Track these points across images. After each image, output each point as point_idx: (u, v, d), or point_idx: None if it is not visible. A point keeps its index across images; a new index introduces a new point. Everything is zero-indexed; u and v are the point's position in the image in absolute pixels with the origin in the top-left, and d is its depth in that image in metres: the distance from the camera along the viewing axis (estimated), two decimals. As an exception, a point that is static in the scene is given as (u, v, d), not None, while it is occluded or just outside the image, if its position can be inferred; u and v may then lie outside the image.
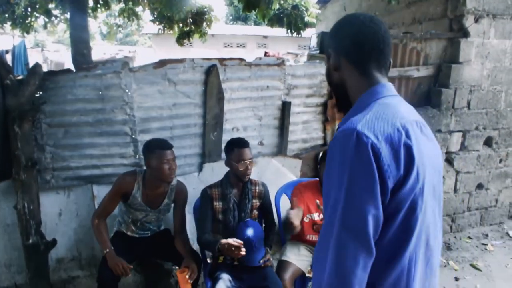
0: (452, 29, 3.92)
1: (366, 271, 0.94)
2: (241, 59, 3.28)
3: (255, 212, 2.63)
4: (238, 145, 2.50)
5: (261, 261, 2.42)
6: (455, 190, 4.05)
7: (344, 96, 1.14)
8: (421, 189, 0.99)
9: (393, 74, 3.74)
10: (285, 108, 3.49)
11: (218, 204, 2.51)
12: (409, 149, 0.96)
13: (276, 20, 5.95)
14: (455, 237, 4.06)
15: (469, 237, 4.06)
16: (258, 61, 3.33)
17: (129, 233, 2.72)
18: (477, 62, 3.87)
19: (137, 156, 3.10)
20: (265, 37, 18.29)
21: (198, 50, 12.98)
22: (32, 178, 2.73)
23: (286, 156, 3.58)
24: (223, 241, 2.23)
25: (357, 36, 1.07)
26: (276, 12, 5.78)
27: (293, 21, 5.58)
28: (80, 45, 4.56)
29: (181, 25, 7.16)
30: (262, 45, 18.23)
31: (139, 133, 3.06)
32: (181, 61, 3.06)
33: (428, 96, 3.96)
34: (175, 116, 3.15)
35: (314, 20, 5.72)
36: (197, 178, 3.31)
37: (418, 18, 4.39)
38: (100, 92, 2.92)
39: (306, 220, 2.70)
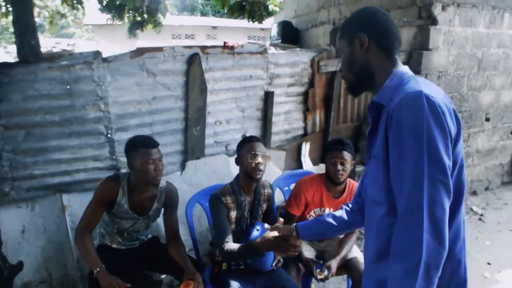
0: (421, 17, 3.85)
1: (447, 217, 1.01)
2: (224, 47, 2.93)
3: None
4: (250, 139, 2.18)
5: (273, 263, 2.15)
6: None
7: (370, 76, 1.20)
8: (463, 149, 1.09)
9: (369, 61, 3.59)
10: (268, 98, 3.21)
11: (233, 214, 2.14)
12: (455, 112, 1.08)
13: (237, 9, 5.59)
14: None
15: (440, 216, 4.11)
16: (241, 49, 3.00)
17: (114, 246, 2.29)
18: (444, 49, 3.85)
19: (114, 158, 2.66)
20: (214, 27, 17.62)
21: (145, 43, 12.15)
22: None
23: (270, 149, 3.31)
24: (268, 236, 1.74)
25: (388, 25, 1.18)
26: (238, 0, 5.42)
27: (256, 9, 5.26)
28: (26, 34, 3.88)
29: (132, 14, 6.53)
30: (211, 36, 17.59)
31: (116, 132, 2.62)
32: (160, 49, 2.64)
33: (400, 83, 3.89)
34: (154, 111, 2.73)
35: (277, 9, 5.47)
36: (179, 178, 2.94)
37: (386, 6, 4.28)
38: (68, 86, 2.43)
39: (309, 217, 2.46)
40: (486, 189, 4.64)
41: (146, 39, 12.44)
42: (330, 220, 1.55)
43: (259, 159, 2.09)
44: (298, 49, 3.42)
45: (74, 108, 2.47)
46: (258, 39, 14.69)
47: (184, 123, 2.87)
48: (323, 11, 5.55)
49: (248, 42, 8.32)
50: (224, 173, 3.11)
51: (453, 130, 1.02)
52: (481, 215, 4.11)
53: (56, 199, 2.60)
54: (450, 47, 3.88)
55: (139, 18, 6.69)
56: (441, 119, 0.99)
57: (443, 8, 3.75)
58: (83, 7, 6.81)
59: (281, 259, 2.18)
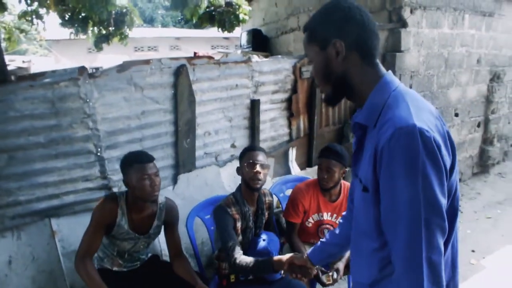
0: (391, 20, 3.99)
1: None
2: (209, 57, 2.89)
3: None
4: (251, 148, 2.15)
5: (282, 272, 2.12)
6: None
7: (349, 88, 1.05)
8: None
9: (347, 65, 3.68)
10: (254, 106, 3.19)
11: (239, 225, 2.08)
12: (449, 135, 0.97)
13: (206, 19, 5.56)
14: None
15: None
16: (225, 58, 2.98)
17: (115, 268, 2.16)
18: (415, 50, 4.01)
19: (105, 177, 2.53)
20: (177, 38, 17.42)
21: (107, 56, 11.81)
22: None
23: (260, 156, 3.30)
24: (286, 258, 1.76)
25: (365, 23, 1.00)
26: (207, 10, 5.39)
27: (226, 18, 5.25)
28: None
29: (97, 28, 6.31)
30: (174, 47, 17.34)
31: (105, 150, 2.50)
32: (147, 62, 2.56)
33: (375, 84, 4.00)
34: (144, 126, 2.64)
35: (247, 17, 5.48)
36: (172, 192, 2.84)
37: (355, 11, 4.42)
38: (53, 105, 2.29)
39: (308, 224, 2.46)
40: (459, 180, 4.87)
41: (108, 53, 12.11)
42: (335, 240, 1.55)
43: (257, 168, 2.06)
44: (280, 56, 3.44)
45: (60, 128, 2.33)
46: (222, 48, 14.67)
47: (174, 136, 2.79)
48: (293, 18, 5.63)
49: (218, 52, 8.32)
50: (215, 184, 3.05)
51: (448, 162, 0.93)
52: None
53: (44, 224, 2.43)
54: (419, 48, 4.05)
55: (104, 32, 6.48)
56: (437, 156, 0.89)
57: (412, 12, 3.91)
58: (43, 22, 6.53)
59: None
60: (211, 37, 16.17)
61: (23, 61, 14.46)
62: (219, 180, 3.06)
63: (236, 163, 3.16)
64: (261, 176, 2.07)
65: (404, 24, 3.88)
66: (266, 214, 2.24)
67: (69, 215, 2.49)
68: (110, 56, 11.80)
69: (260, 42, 6.18)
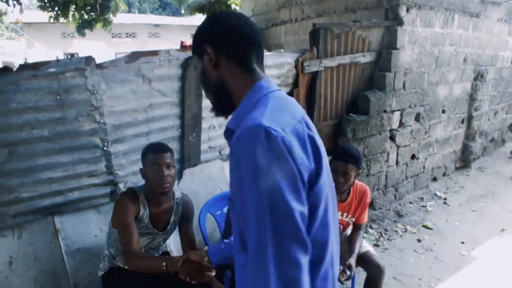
0: (388, 18, 4.01)
1: (308, 273, 0.82)
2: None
3: None
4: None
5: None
6: (397, 163, 4.27)
7: (226, 96, 0.99)
8: (329, 183, 0.92)
9: (346, 60, 3.66)
10: (258, 100, 3.13)
11: None
12: (313, 140, 0.88)
13: (196, 8, 5.38)
14: (399, 204, 4.29)
15: (410, 202, 4.35)
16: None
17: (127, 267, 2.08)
18: (409, 48, 4.05)
19: (111, 172, 2.41)
20: (156, 25, 16.82)
21: (83, 42, 11.28)
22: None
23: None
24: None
25: (238, 28, 0.96)
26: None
27: (217, 7, 5.10)
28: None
29: (79, 13, 5.98)
30: (153, 35, 16.75)
31: (112, 144, 2.36)
32: (155, 53, 2.42)
33: (371, 80, 4.02)
34: (151, 119, 2.51)
35: (238, 8, 5.35)
36: (176, 187, 2.73)
37: (351, 7, 4.39)
38: (58, 97, 2.13)
39: None
40: (444, 174, 5.03)
41: (84, 38, 11.58)
42: None
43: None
44: (283, 50, 3.37)
45: (65, 121, 2.18)
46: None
47: (180, 130, 2.68)
48: (284, 10, 5.56)
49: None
50: (219, 179, 2.98)
51: (306, 167, 0.83)
52: (445, 199, 4.44)
53: (47, 223, 2.29)
54: (413, 46, 4.10)
55: (86, 17, 6.15)
56: (284, 158, 0.79)
57: (408, 10, 3.95)
58: (20, 4, 6.14)
59: None
60: (191, 25, 15.78)
61: (-8, 46, 13.59)
62: (223, 175, 2.99)
63: (239, 158, 3.13)
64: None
65: (400, 22, 3.91)
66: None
67: (73, 213, 2.36)
68: (87, 42, 11.28)
69: (250, 34, 6.07)
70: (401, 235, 3.67)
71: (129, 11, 20.10)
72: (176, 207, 2.08)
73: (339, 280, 2.19)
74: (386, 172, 4.18)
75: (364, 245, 2.49)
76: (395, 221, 3.94)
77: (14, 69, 2.06)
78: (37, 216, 2.25)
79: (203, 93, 2.70)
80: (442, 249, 3.43)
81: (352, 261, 2.27)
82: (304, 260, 0.80)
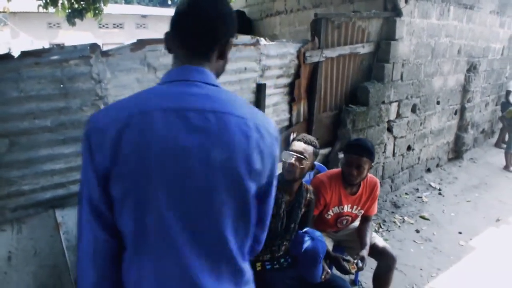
0: (386, 9, 3.99)
1: (94, 232, 0.88)
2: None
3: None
4: (297, 138, 2.06)
5: (322, 276, 2.06)
6: (394, 154, 4.29)
7: None
8: (153, 187, 0.84)
9: (346, 51, 3.64)
10: (260, 90, 3.07)
11: None
12: (123, 140, 0.83)
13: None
14: (396, 195, 4.33)
15: (406, 193, 4.39)
16: (236, 40, 2.81)
17: None
18: (407, 39, 4.05)
19: (115, 164, 2.33)
20: (144, 16, 16.43)
21: (69, 32, 10.97)
22: None
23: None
24: None
25: (175, 12, 0.96)
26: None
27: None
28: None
29: (69, 2, 5.76)
30: (141, 26, 16.37)
31: (116, 135, 2.29)
32: (161, 41, 2.34)
33: (369, 71, 4.01)
34: (156, 110, 2.44)
35: (234, -2, 5.26)
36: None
37: (349, -3, 4.37)
38: (62, 85, 2.04)
39: (328, 216, 2.42)
40: (437, 165, 5.09)
41: (69, 29, 11.25)
42: None
43: (292, 160, 1.99)
44: (285, 40, 3.32)
45: (69, 110, 2.08)
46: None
47: (184, 120, 2.61)
48: (279, 0, 5.49)
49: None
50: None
51: (99, 159, 0.84)
52: (440, 190, 4.49)
53: (48, 216, 2.20)
54: (411, 37, 4.10)
55: (76, 6, 5.94)
56: (86, 146, 0.86)
57: (406, 1, 3.93)
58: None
59: (329, 271, 2.11)
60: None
61: (-29, 34, 13.09)
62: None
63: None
64: (293, 168, 1.98)
65: (399, 13, 3.90)
66: (303, 209, 2.15)
67: (75, 206, 2.24)
68: (72, 33, 10.96)
69: (243, 25, 5.98)
70: (399, 226, 3.70)
71: (116, 2, 19.63)
72: None
73: (350, 272, 2.18)
74: (383, 163, 4.20)
75: (373, 235, 2.49)
76: (392, 212, 3.97)
77: (16, 56, 1.96)
78: (38, 210, 2.16)
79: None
80: (440, 239, 3.47)
81: (365, 253, 2.27)
82: (93, 221, 0.87)
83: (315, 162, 3.05)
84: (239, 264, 0.95)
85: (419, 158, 4.71)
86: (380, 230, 3.62)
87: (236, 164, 0.87)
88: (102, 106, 2.17)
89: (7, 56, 1.94)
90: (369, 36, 3.88)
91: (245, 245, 0.98)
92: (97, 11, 6.00)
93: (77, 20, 6.21)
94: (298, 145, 2.01)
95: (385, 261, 2.34)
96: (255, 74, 3.01)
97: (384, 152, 4.17)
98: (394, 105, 4.12)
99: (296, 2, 5.16)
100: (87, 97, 2.11)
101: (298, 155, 1.98)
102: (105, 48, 2.19)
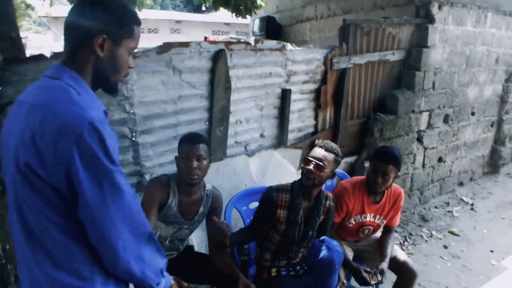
0: (418, 15, 3.90)
1: None
2: (247, 43, 2.74)
3: None
4: (317, 145, 2.03)
5: (338, 287, 2.02)
6: (423, 165, 4.15)
7: None
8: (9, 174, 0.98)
9: (375, 58, 3.57)
10: (286, 96, 3.07)
11: (282, 213, 1.99)
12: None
13: (221, 2, 5.35)
14: (424, 208, 4.17)
15: (436, 207, 4.22)
16: (261, 45, 2.83)
17: None
18: (440, 46, 3.93)
19: (138, 163, 2.39)
20: (178, 22, 16.95)
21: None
22: (4, 208, 1.87)
23: (287, 147, 3.19)
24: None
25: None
26: (222, -6, 5.19)
27: (242, 3, 5.06)
28: (7, 26, 3.39)
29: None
30: (175, 30, 16.89)
31: (140, 135, 2.35)
32: (186, 44, 2.40)
33: (399, 79, 3.91)
34: (180, 111, 2.49)
35: (263, 3, 5.30)
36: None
37: (380, 4, 4.29)
38: (90, 86, 2.13)
39: (349, 224, 2.37)
40: (471, 179, 4.87)
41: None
42: None
43: (311, 167, 1.96)
44: (312, 46, 3.31)
45: (96, 110, 2.17)
46: (223, 34, 14.35)
47: (207, 123, 2.65)
48: (310, 6, 5.48)
49: (230, 37, 8.08)
50: (244, 174, 2.93)
51: None
52: (472, 204, 4.29)
53: (74, 211, 2.29)
54: (444, 45, 3.97)
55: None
56: None
57: (440, 7, 3.82)
58: (48, -3, 6.23)
59: (345, 282, 2.07)
60: (212, 22, 15.83)
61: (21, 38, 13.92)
62: (248, 170, 2.94)
63: (264, 153, 3.07)
64: (313, 175, 1.94)
65: (431, 20, 3.79)
66: (322, 217, 2.12)
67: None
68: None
69: (273, 30, 6.01)
70: (426, 240, 3.56)
71: (152, 7, 20.25)
72: (206, 199, 2.05)
73: (370, 283, 2.11)
74: (412, 174, 4.07)
75: (395, 248, 2.41)
76: (419, 226, 3.82)
77: (48, 57, 2.06)
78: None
79: (232, 86, 2.68)
80: (470, 257, 3.30)
81: (385, 265, 2.19)
82: None
83: (338, 171, 3.02)
84: None
85: (451, 171, 4.52)
86: (406, 243, 3.49)
87: (18, 156, 0.93)
88: (127, 106, 2.24)
89: (41, 57, 2.04)
90: (400, 43, 3.79)
91: None
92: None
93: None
94: (318, 152, 1.97)
95: (405, 276, 2.25)
96: (280, 79, 3.02)
97: (413, 162, 4.04)
98: (425, 114, 3.99)
99: (327, 8, 5.13)
100: (113, 98, 2.18)
101: (317, 162, 1.94)
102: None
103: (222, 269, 2.00)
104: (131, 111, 2.26)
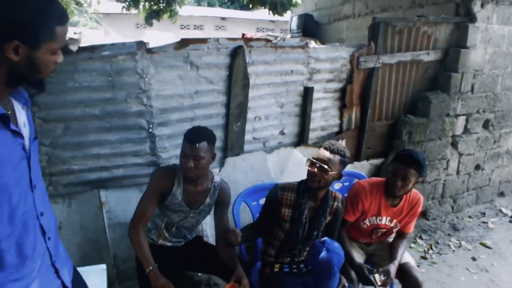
0: (458, 14, 3.69)
1: None
2: (267, 40, 2.76)
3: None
4: (322, 145, 2.00)
5: None
6: (458, 172, 3.93)
7: None
8: None
9: (407, 58, 3.43)
10: (308, 94, 3.05)
11: (286, 211, 2.00)
12: None
13: (258, 0, 5.40)
14: (457, 217, 3.95)
15: (470, 216, 3.99)
16: (283, 42, 2.83)
17: (160, 242, 2.15)
18: (481, 47, 3.69)
19: (155, 153, 2.50)
20: (223, 19, 17.31)
21: (154, 33, 11.90)
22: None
23: (308, 146, 3.17)
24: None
25: None
26: (259, -9, 5.23)
27: (279, 1, 5.06)
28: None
29: (148, 3, 6.30)
30: (220, 27, 17.28)
31: (157, 127, 2.46)
32: (204, 41, 2.47)
33: (434, 81, 3.73)
34: (196, 106, 2.57)
35: (300, 1, 5.27)
36: (218, 175, 2.76)
37: (418, 1, 4.10)
38: (110, 78, 2.26)
39: (363, 225, 2.32)
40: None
41: (154, 29, 12.20)
42: None
43: (314, 169, 1.94)
44: (338, 44, 3.25)
45: (115, 101, 2.30)
46: (267, 31, 14.40)
47: (225, 118, 2.71)
48: (348, 4, 5.36)
49: (267, 35, 8.12)
50: (261, 170, 2.96)
51: None
52: (511, 217, 4.01)
53: (93, 195, 2.44)
54: (486, 46, 3.72)
55: (155, 7, 6.46)
56: None
57: (482, 5, 3.58)
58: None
59: (346, 285, 2.04)
60: (257, 19, 15.92)
61: (75, 33, 14.91)
62: (265, 167, 2.97)
63: (284, 152, 3.08)
64: (317, 178, 1.92)
65: (472, 19, 3.56)
66: (329, 218, 2.10)
67: (117, 188, 2.49)
68: (157, 33, 11.88)
69: (311, 28, 5.96)
70: (453, 250, 3.38)
71: (199, 4, 20.77)
72: (213, 191, 2.11)
73: (374, 283, 2.07)
74: (444, 180, 3.87)
75: (405, 255, 2.32)
76: (449, 235, 3.63)
77: (74, 51, 2.22)
78: (84, 188, 2.41)
79: (250, 83, 2.71)
80: (500, 272, 3.09)
81: (392, 267, 2.14)
82: None
83: (356, 172, 2.96)
84: None
85: (490, 180, 4.24)
86: (430, 251, 3.34)
87: None
88: (144, 99, 2.35)
89: (67, 51, 2.19)
90: (436, 43, 3.61)
91: None
92: (172, 13, 6.45)
93: (161, 21, 6.74)
94: (323, 154, 1.93)
95: (409, 285, 2.17)
96: (302, 77, 3.00)
97: (446, 169, 3.84)
98: (461, 118, 3.77)
99: (364, 6, 5.00)
100: (132, 90, 2.31)
101: (321, 164, 1.90)
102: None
103: (226, 260, 2.05)
104: (149, 104, 2.37)
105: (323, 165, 1.89)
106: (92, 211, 2.45)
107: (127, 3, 6.48)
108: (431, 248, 3.38)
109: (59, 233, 2.38)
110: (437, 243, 3.48)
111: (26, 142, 1.09)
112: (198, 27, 17.19)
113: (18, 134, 1.05)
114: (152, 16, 6.40)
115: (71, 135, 2.28)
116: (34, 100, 2.13)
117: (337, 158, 1.92)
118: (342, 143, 2.05)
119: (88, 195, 2.44)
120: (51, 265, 1.19)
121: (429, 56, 3.59)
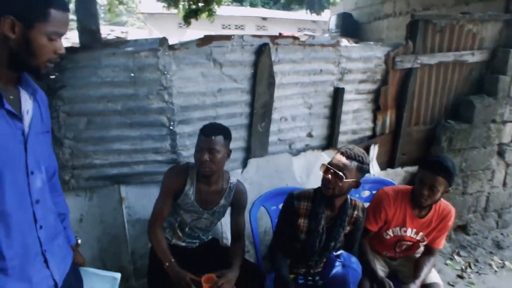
0: (508, 11, 3.37)
1: None
2: (295, 38, 2.65)
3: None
4: (339, 150, 1.87)
5: None
6: (504, 184, 3.59)
7: None
8: None
9: (449, 58, 3.18)
10: (338, 95, 2.90)
11: (303, 222, 1.89)
12: None
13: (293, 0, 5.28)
14: (502, 234, 3.62)
15: (516, 234, 3.65)
16: (311, 40, 2.71)
17: (174, 241, 2.10)
18: (535, 47, 3.35)
19: (175, 151, 2.47)
20: (264, 18, 17.29)
21: (195, 32, 12.08)
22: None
23: (337, 149, 3.01)
24: None
25: None
26: (297, -10, 5.12)
27: (316, 0, 4.92)
28: (88, 18, 3.80)
29: (187, 3, 6.38)
30: (261, 27, 17.29)
31: (178, 124, 2.42)
32: (228, 38, 2.40)
33: (479, 84, 3.43)
34: (219, 104, 2.51)
35: (338, 0, 5.11)
36: (240, 176, 2.70)
37: (464, -2, 3.83)
38: (132, 74, 2.25)
39: (386, 236, 2.15)
40: None
41: (196, 29, 12.38)
42: None
43: (328, 175, 1.80)
44: (372, 42, 3.07)
45: (137, 97, 2.29)
46: (309, 31, 14.17)
47: (248, 118, 2.63)
48: (389, 2, 5.11)
49: (305, 34, 7.95)
50: (286, 173, 2.85)
51: None
52: None
53: (114, 190, 2.45)
54: (542, 46, 3.37)
55: (193, 7, 6.53)
56: None
57: (538, 1, 3.25)
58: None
59: None
60: (298, 20, 15.75)
61: (121, 32, 15.51)
62: (291, 169, 2.85)
63: (311, 154, 2.95)
64: (331, 185, 1.79)
65: (526, 16, 3.24)
66: (348, 228, 1.96)
67: (137, 185, 2.48)
68: (198, 32, 12.05)
69: (350, 27, 5.75)
70: (495, 271, 3.08)
71: (241, 4, 20.86)
72: (228, 192, 2.04)
73: None
74: (488, 193, 3.55)
75: (433, 275, 2.12)
76: (491, 253, 3.33)
77: (98, 47, 2.24)
78: (105, 183, 2.43)
79: (276, 82, 2.61)
80: (548, 297, 2.78)
81: (413, 287, 1.95)
82: None
83: (385, 179, 2.77)
84: None
85: (541, 194, 3.85)
86: (468, 270, 3.07)
87: None
88: (166, 96, 2.33)
89: (91, 47, 2.22)
90: (482, 43, 3.32)
91: None
92: (210, 12, 6.48)
93: (203, 21, 6.82)
94: (339, 159, 1.79)
95: None
96: (332, 77, 2.86)
97: (491, 180, 3.53)
98: (510, 125, 3.44)
99: (406, 5, 4.73)
100: (153, 87, 2.29)
101: (336, 170, 1.76)
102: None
103: (229, 257, 1.99)
104: (170, 101, 2.34)
105: (338, 171, 1.75)
106: (112, 206, 2.46)
107: (167, 2, 6.60)
108: (470, 267, 3.11)
109: (80, 225, 2.44)
110: (477, 261, 3.19)
111: (26, 128, 1.13)
112: (239, 27, 17.28)
113: (15, 117, 1.09)
114: (191, 15, 6.48)
115: (94, 129, 2.30)
116: (58, 94, 2.17)
117: (354, 164, 1.77)
118: (360, 149, 1.87)
119: (109, 190, 2.45)
120: (40, 254, 1.18)
121: (474, 57, 3.31)
